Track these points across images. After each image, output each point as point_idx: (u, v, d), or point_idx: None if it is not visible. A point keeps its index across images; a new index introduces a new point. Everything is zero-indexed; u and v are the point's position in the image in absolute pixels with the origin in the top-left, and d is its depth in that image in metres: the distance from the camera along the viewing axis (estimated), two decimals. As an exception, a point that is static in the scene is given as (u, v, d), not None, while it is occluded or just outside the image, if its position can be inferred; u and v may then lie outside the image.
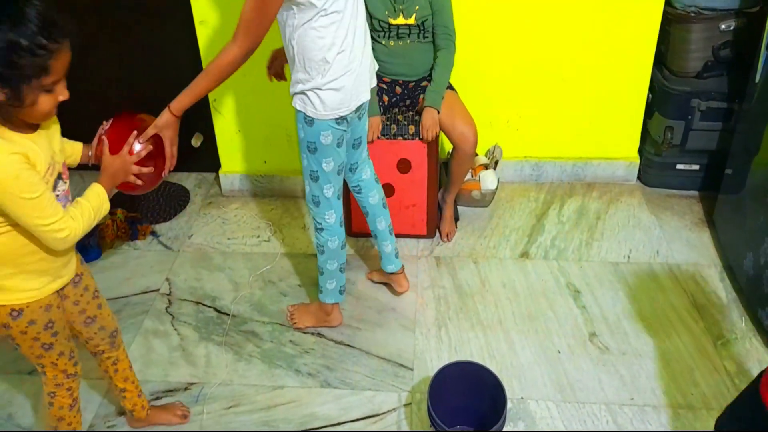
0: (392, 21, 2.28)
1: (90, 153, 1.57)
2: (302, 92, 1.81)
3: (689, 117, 2.60)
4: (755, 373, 1.98)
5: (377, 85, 2.41)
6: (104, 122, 1.58)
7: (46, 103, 1.26)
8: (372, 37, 2.34)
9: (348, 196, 2.53)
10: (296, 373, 2.09)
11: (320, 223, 2.04)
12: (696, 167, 2.74)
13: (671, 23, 2.55)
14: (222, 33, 2.54)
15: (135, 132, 1.55)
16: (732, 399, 1.88)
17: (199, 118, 2.81)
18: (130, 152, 1.53)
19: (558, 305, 2.27)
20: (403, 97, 2.46)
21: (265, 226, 2.76)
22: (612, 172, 2.87)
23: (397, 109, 2.49)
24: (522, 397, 1.96)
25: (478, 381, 1.76)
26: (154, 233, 2.74)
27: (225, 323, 2.29)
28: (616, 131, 2.81)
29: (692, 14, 2.48)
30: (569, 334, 2.16)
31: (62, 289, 1.53)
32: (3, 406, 2.04)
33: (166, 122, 1.64)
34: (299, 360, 2.13)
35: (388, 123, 2.41)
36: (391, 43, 2.33)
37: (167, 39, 2.75)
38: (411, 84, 2.43)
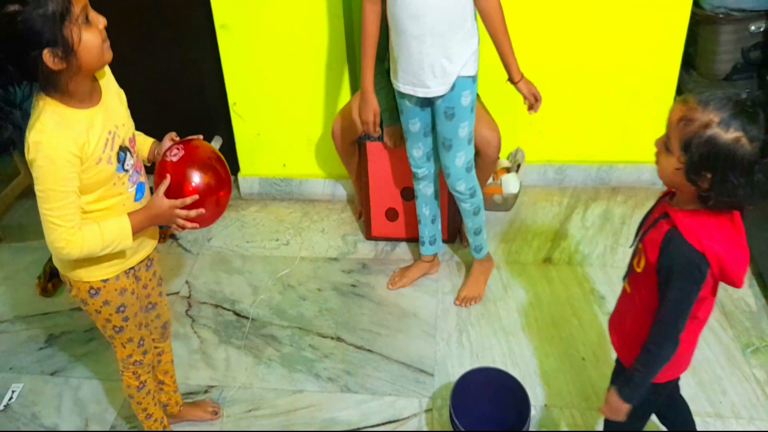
0: None
1: (156, 153, 1.52)
2: (473, 53, 1.89)
3: (717, 120, 2.54)
4: (788, 383, 1.93)
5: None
6: (174, 144, 1.47)
7: (92, 37, 1.23)
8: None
9: (368, 197, 2.52)
10: (316, 377, 2.07)
11: (472, 188, 2.13)
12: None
13: (699, 25, 2.51)
14: (243, 36, 2.54)
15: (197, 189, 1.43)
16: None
17: (219, 121, 2.82)
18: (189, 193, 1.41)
19: (582, 312, 2.23)
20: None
21: (284, 230, 2.75)
22: (638, 176, 2.82)
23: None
24: (546, 405, 1.92)
25: (502, 388, 1.73)
26: (173, 236, 2.75)
27: (244, 327, 2.28)
28: (642, 134, 2.75)
29: (721, 15, 2.44)
30: (594, 341, 2.11)
31: (137, 270, 1.56)
32: (27, 406, 2.05)
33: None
34: (319, 364, 2.11)
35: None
36: None
37: (188, 44, 2.75)
38: None
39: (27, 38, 1.17)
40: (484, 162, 2.39)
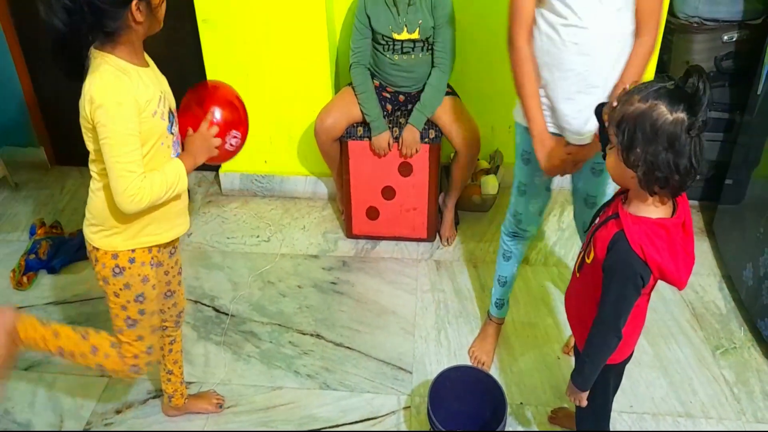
0: (396, 36, 2.27)
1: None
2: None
3: (691, 127, 2.61)
4: (754, 382, 2.00)
5: (380, 94, 2.43)
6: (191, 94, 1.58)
7: (162, 2, 1.36)
8: (376, 49, 2.35)
9: (349, 195, 2.53)
10: (295, 374, 2.08)
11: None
12: (696, 177, 2.75)
13: (674, 33, 2.57)
14: (225, 31, 2.54)
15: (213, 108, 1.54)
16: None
17: (200, 117, 2.80)
18: (211, 124, 1.51)
19: (557, 311, 2.27)
20: (406, 103, 2.47)
21: (265, 226, 2.75)
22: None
23: (399, 113, 2.49)
24: (521, 403, 1.96)
25: (479, 385, 1.76)
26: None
27: (224, 323, 2.28)
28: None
29: (695, 24, 2.50)
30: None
31: (161, 254, 1.59)
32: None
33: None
34: (298, 361, 2.12)
35: (391, 126, 2.41)
36: (396, 57, 2.32)
37: (170, 37, 2.71)
38: (414, 93, 2.43)
39: None
40: (463, 162, 2.43)
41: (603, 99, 1.53)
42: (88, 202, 1.49)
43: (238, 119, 1.58)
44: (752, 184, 2.25)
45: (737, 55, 2.53)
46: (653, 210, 1.25)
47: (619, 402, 1.94)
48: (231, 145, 1.57)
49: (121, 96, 1.31)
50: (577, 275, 1.45)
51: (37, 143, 3.06)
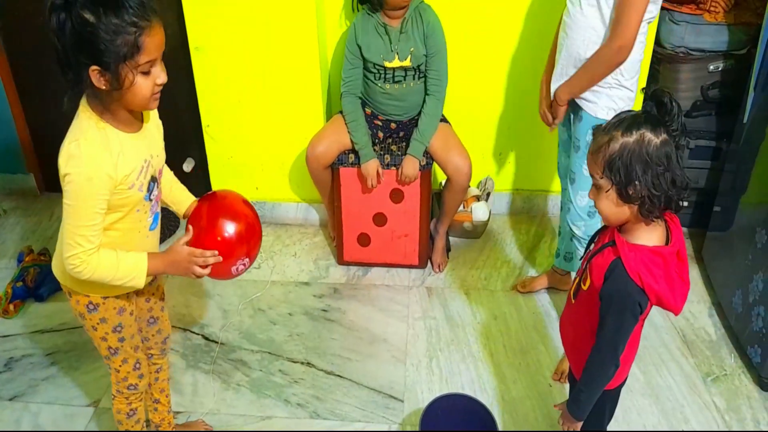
0: (387, 64, 2.30)
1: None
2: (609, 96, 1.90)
3: (678, 154, 2.64)
4: (745, 410, 1.99)
5: (372, 122, 2.45)
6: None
7: (143, 85, 1.25)
8: (367, 78, 2.37)
9: (340, 222, 2.53)
10: (285, 403, 2.06)
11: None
12: (685, 204, 2.77)
13: (661, 63, 2.61)
14: (217, 59, 2.56)
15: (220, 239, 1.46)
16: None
17: (191, 143, 2.81)
18: (216, 244, 1.44)
19: (549, 339, 2.26)
20: (398, 130, 2.49)
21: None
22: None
23: (390, 140, 2.51)
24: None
25: (470, 414, 1.74)
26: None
27: (213, 351, 2.25)
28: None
29: (681, 54, 2.54)
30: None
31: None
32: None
33: None
34: (288, 390, 2.10)
35: (382, 153, 2.42)
36: (387, 86, 2.34)
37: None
38: (405, 120, 2.45)
39: (86, 47, 1.18)
40: (455, 189, 2.44)
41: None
42: (59, 238, 1.46)
43: (252, 243, 1.53)
44: (740, 212, 2.27)
45: (723, 85, 2.57)
46: (649, 237, 1.27)
47: (610, 429, 1.93)
48: (237, 270, 1.51)
49: (94, 171, 1.25)
50: (572, 302, 1.45)
51: (27, 170, 3.05)
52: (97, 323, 1.50)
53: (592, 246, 1.42)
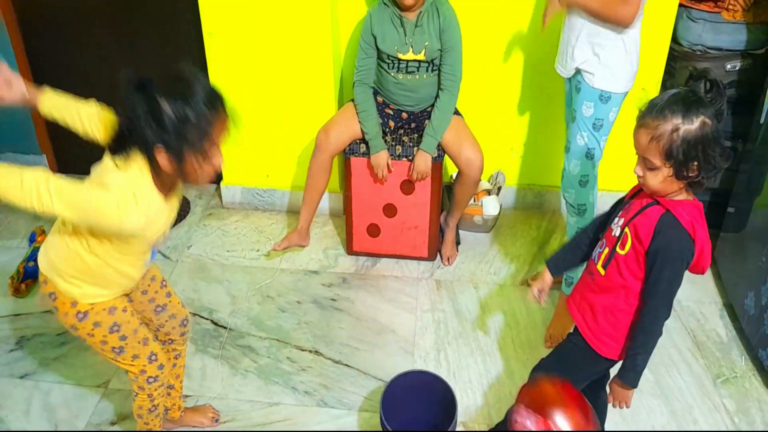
0: (401, 56, 2.29)
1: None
2: (608, 66, 1.90)
3: (693, 154, 2.62)
4: (755, 412, 1.98)
5: (383, 110, 2.44)
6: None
7: (203, 168, 1.30)
8: (380, 67, 2.36)
9: (350, 212, 2.53)
10: (293, 390, 2.06)
11: (584, 205, 2.11)
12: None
13: (677, 60, 2.59)
14: (230, 44, 2.55)
15: None
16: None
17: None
18: None
19: (558, 335, 2.26)
20: (409, 121, 2.48)
21: (265, 240, 2.74)
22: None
23: (402, 131, 2.50)
24: (520, 426, 1.94)
25: (431, 390, 1.78)
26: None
27: (222, 336, 2.26)
28: (620, 163, 2.82)
29: (698, 53, 2.52)
30: (569, 364, 2.14)
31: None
32: (-8, 410, 2.00)
33: None
34: (296, 377, 2.11)
35: (393, 144, 2.41)
36: (400, 76, 2.33)
37: (175, 50, 2.75)
38: (417, 112, 2.44)
39: (156, 129, 1.22)
40: (466, 182, 2.43)
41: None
42: (47, 239, 1.48)
43: None
44: (754, 213, 2.26)
45: (740, 84, 2.55)
46: (686, 195, 1.36)
47: (620, 429, 1.93)
48: None
49: (126, 218, 1.27)
50: (602, 273, 1.47)
51: (40, 151, 3.06)
52: (92, 329, 1.49)
53: (618, 215, 1.46)
